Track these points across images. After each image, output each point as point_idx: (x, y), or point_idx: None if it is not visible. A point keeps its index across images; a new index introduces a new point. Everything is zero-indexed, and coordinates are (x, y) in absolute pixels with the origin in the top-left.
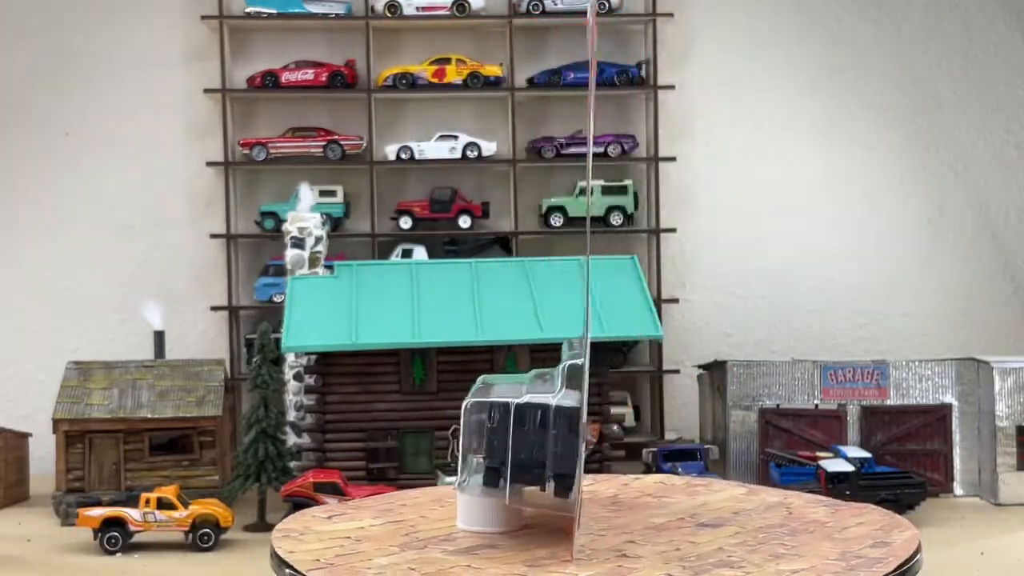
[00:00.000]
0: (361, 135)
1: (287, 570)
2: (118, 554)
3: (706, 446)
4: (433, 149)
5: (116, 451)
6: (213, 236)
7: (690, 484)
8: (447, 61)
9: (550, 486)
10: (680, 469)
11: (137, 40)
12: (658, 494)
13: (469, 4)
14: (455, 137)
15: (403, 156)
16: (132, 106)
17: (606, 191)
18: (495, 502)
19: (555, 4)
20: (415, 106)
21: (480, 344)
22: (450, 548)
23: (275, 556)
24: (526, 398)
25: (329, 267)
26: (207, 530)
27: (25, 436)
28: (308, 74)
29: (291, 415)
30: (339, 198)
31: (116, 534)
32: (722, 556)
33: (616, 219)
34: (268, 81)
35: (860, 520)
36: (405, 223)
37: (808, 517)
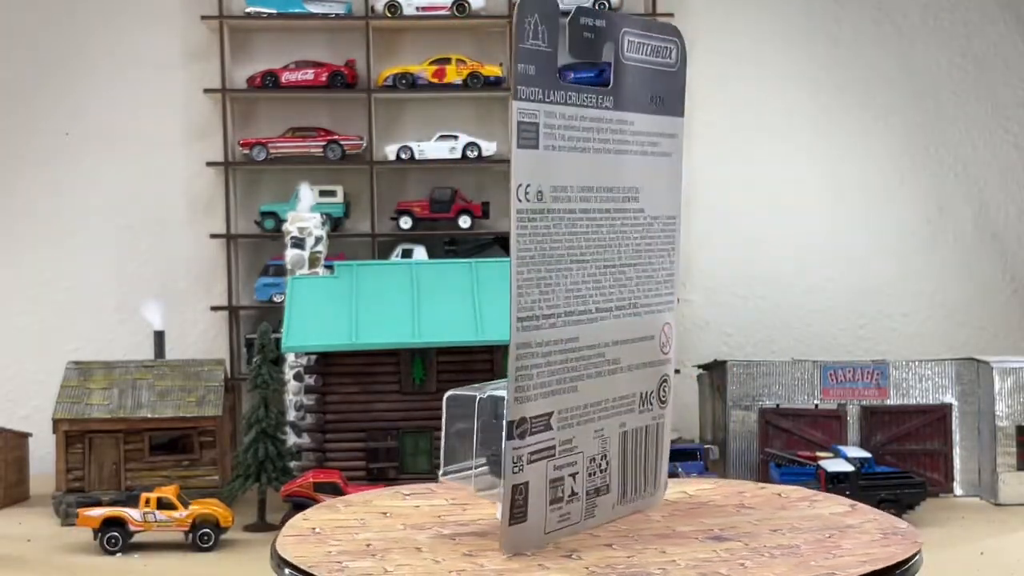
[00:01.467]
0: (361, 135)
1: (277, 562)
2: (118, 554)
3: (706, 446)
4: (433, 149)
5: (116, 451)
6: (213, 236)
7: (805, 498)
8: (447, 61)
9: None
10: (680, 469)
11: (137, 40)
12: (752, 504)
13: (469, 4)
14: (455, 137)
15: (403, 156)
16: (132, 106)
17: None
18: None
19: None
20: (415, 106)
21: (480, 344)
22: (446, 532)
23: (275, 556)
24: (488, 391)
25: (329, 267)
26: (207, 530)
27: (25, 436)
28: (308, 74)
29: (291, 415)
30: (339, 198)
31: (116, 534)
32: (652, 571)
33: None
34: (268, 81)
35: (873, 550)
36: (405, 223)
37: (838, 543)
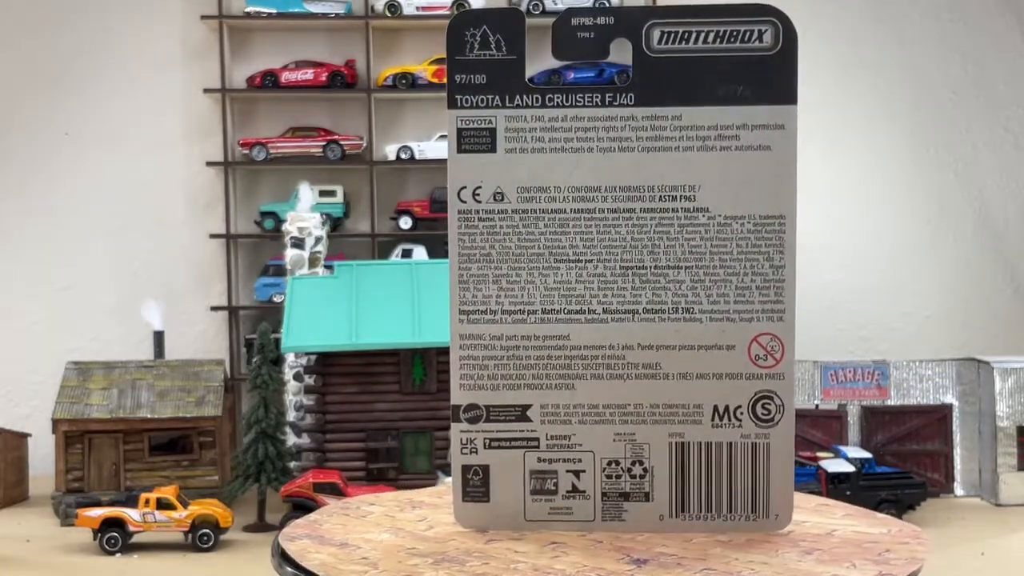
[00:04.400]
0: (361, 135)
1: (288, 568)
2: (118, 554)
3: None
4: (433, 149)
5: (116, 451)
6: (213, 236)
7: (879, 554)
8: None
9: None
10: None
11: (137, 40)
12: (816, 547)
13: (469, 4)
14: None
15: (403, 156)
16: (132, 106)
17: None
18: None
19: (555, 4)
20: (415, 106)
21: None
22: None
23: (278, 553)
24: None
25: (329, 267)
26: (207, 530)
27: (24, 436)
28: (308, 74)
29: (291, 415)
30: (339, 198)
31: (116, 534)
32: (471, 561)
33: None
34: (268, 81)
35: None
36: (405, 223)
37: None
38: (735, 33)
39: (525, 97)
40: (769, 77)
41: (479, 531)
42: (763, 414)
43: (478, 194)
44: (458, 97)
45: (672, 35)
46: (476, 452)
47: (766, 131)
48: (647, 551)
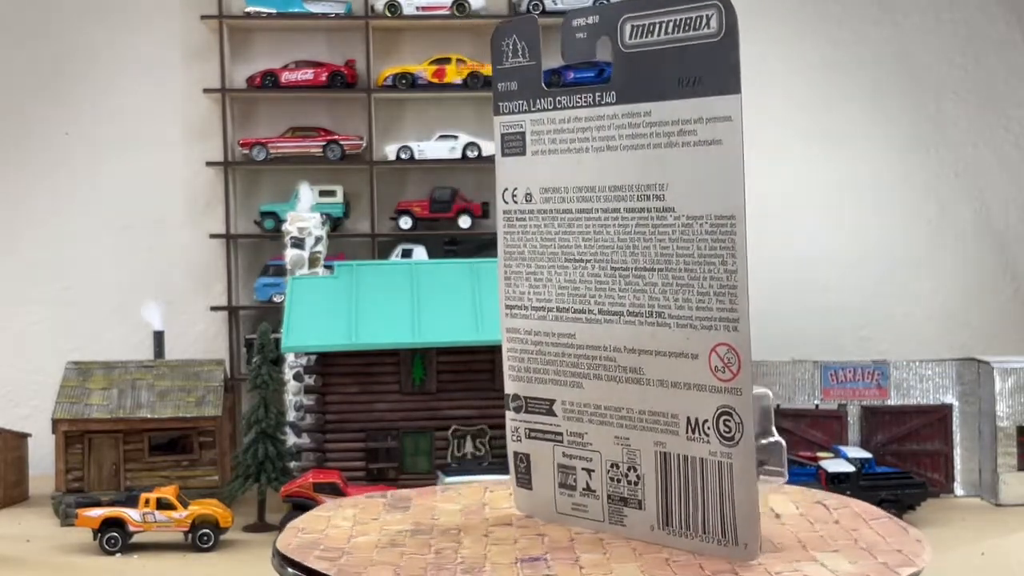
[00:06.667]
0: (361, 135)
1: (289, 568)
2: (118, 554)
3: None
4: (433, 149)
5: (116, 451)
6: (213, 236)
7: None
8: (447, 61)
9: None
10: None
11: (137, 40)
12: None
13: (469, 4)
14: (455, 137)
15: (403, 156)
16: (132, 106)
17: None
18: None
19: (555, 4)
20: (415, 106)
21: (480, 344)
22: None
23: (277, 554)
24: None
25: (329, 267)
26: (207, 530)
27: (24, 436)
28: (308, 74)
29: (291, 415)
30: (339, 198)
31: (116, 534)
32: (417, 531)
33: None
34: (268, 81)
35: None
36: (405, 223)
37: None
38: (688, 21)
39: (542, 100)
40: (716, 65)
41: (527, 517)
42: (725, 431)
43: (516, 195)
44: (500, 104)
45: (639, 29)
46: (521, 440)
47: (717, 124)
48: (566, 556)
